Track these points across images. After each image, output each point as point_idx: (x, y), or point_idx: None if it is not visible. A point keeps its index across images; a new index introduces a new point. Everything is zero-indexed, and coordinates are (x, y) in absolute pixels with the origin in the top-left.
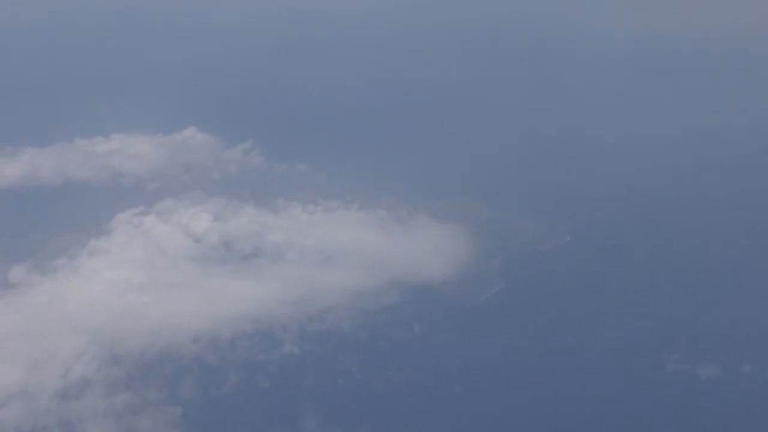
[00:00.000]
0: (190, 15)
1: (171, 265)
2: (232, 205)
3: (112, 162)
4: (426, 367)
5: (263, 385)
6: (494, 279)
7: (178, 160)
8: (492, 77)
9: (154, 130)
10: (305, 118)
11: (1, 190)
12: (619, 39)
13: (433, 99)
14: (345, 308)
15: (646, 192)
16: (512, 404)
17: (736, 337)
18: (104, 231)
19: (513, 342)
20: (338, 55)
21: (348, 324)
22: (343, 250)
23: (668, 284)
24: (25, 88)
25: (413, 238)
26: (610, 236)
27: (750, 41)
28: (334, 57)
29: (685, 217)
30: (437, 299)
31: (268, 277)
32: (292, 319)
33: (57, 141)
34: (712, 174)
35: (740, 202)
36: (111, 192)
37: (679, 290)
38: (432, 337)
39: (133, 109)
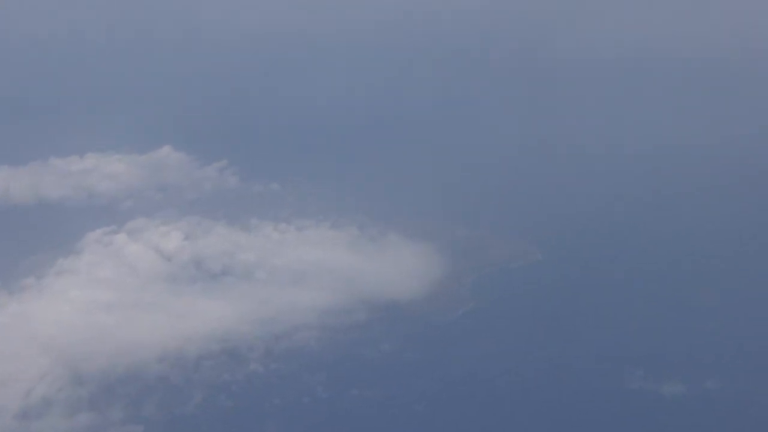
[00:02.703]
0: (168, 35)
1: (140, 285)
2: (204, 224)
3: (87, 181)
4: (392, 385)
5: (226, 404)
6: (465, 297)
7: (152, 179)
8: (466, 98)
9: (129, 149)
10: (281, 138)
11: None
12: (601, 60)
13: (407, 119)
14: (313, 327)
15: (618, 210)
16: (475, 423)
17: (700, 353)
18: (74, 250)
19: (479, 360)
20: (314, 75)
21: (315, 343)
22: (314, 269)
23: (633, 301)
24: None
25: (385, 257)
26: (581, 254)
27: (738, 59)
28: (310, 77)
29: (654, 235)
30: (407, 317)
31: (236, 295)
32: (259, 338)
33: (31, 160)
34: (683, 192)
35: (710, 220)
36: (84, 211)
37: (643, 307)
38: (399, 356)
39: (110, 128)
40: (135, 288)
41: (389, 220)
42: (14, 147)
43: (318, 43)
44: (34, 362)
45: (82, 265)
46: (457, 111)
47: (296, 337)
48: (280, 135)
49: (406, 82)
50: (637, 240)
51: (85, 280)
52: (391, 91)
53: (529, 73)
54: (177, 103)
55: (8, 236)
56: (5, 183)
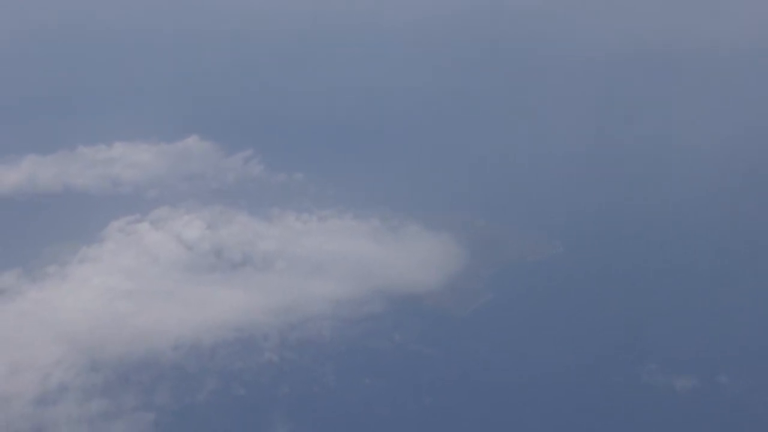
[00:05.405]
0: (195, 23)
1: (160, 273)
2: (227, 214)
3: (112, 170)
4: (402, 377)
5: (238, 393)
6: (483, 290)
7: (178, 168)
8: (488, 91)
9: (156, 138)
10: (306, 129)
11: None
12: (618, 52)
13: (430, 111)
14: (328, 317)
15: (639, 205)
16: (486, 417)
17: (712, 348)
18: (97, 238)
19: (492, 354)
20: (340, 68)
21: (329, 333)
22: (333, 259)
23: (648, 296)
24: (30, 97)
25: (405, 248)
26: (601, 248)
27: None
28: (337, 70)
29: (673, 231)
30: (423, 309)
31: (255, 285)
32: (274, 327)
33: (59, 149)
34: (704, 188)
35: (727, 219)
36: (108, 200)
37: (658, 302)
38: (412, 347)
39: (139, 118)
40: (155, 276)
41: (411, 211)
42: (43, 135)
43: (345, 37)
44: (52, 349)
45: (105, 254)
46: (479, 107)
47: (311, 327)
48: (306, 126)
49: (430, 76)
50: (657, 235)
51: (107, 268)
52: (416, 84)
53: (548, 70)
54: (206, 93)
55: (33, 224)
56: (32, 171)
